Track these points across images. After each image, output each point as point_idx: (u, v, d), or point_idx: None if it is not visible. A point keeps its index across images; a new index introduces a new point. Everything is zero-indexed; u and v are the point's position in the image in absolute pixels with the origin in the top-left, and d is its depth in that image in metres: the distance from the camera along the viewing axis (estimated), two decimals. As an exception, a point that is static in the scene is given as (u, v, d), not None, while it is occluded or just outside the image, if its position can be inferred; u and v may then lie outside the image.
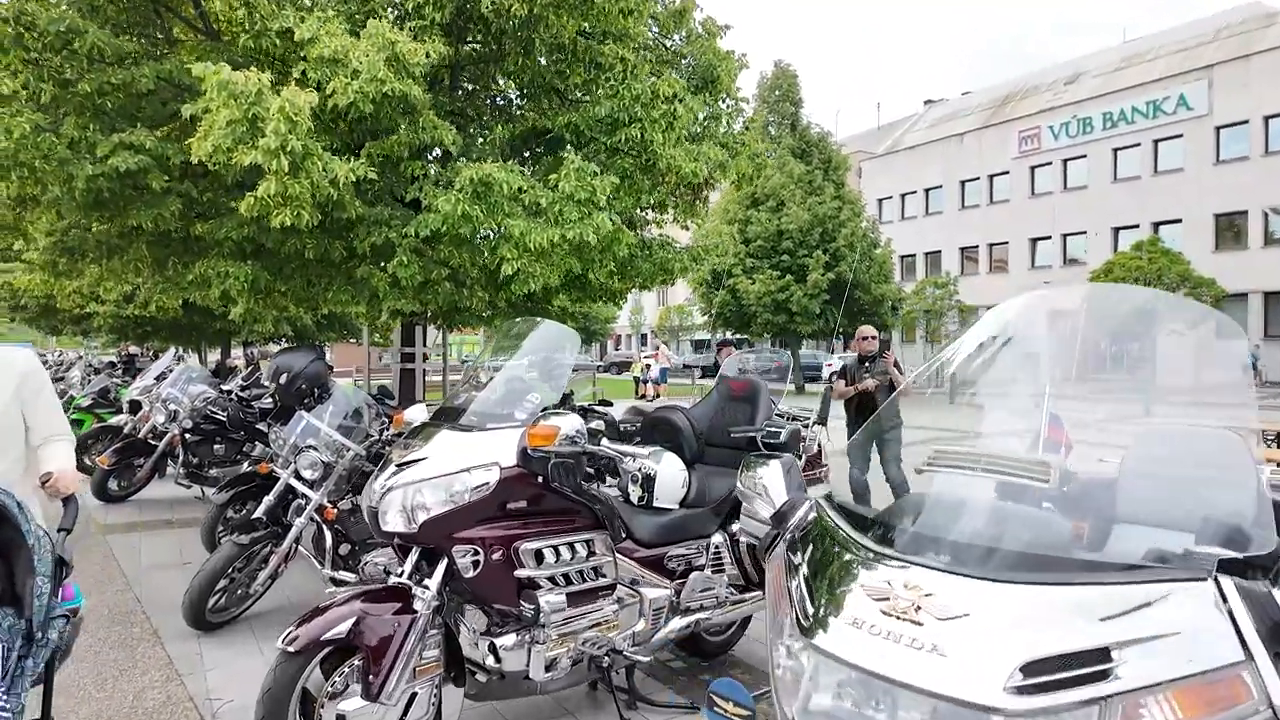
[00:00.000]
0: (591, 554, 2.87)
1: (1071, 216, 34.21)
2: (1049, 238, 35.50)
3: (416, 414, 3.27)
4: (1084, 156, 34.29)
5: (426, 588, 2.60)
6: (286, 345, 6.12)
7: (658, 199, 6.25)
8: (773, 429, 3.65)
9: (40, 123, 4.49)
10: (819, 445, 4.58)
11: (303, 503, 4.31)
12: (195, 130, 4.53)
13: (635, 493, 3.39)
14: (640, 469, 3.30)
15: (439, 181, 4.98)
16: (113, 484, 7.70)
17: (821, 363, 33.56)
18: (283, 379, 4.64)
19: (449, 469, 2.62)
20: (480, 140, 5.52)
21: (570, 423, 2.63)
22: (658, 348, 28.72)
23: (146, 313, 12.52)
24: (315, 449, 4.27)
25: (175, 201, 5.07)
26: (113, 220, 5.84)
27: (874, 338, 6.19)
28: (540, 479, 2.72)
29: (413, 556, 2.70)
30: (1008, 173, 36.96)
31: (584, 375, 33.01)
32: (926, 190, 40.22)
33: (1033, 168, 36.19)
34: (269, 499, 4.35)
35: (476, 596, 2.73)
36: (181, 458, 7.77)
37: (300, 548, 4.36)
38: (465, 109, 5.84)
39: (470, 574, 2.60)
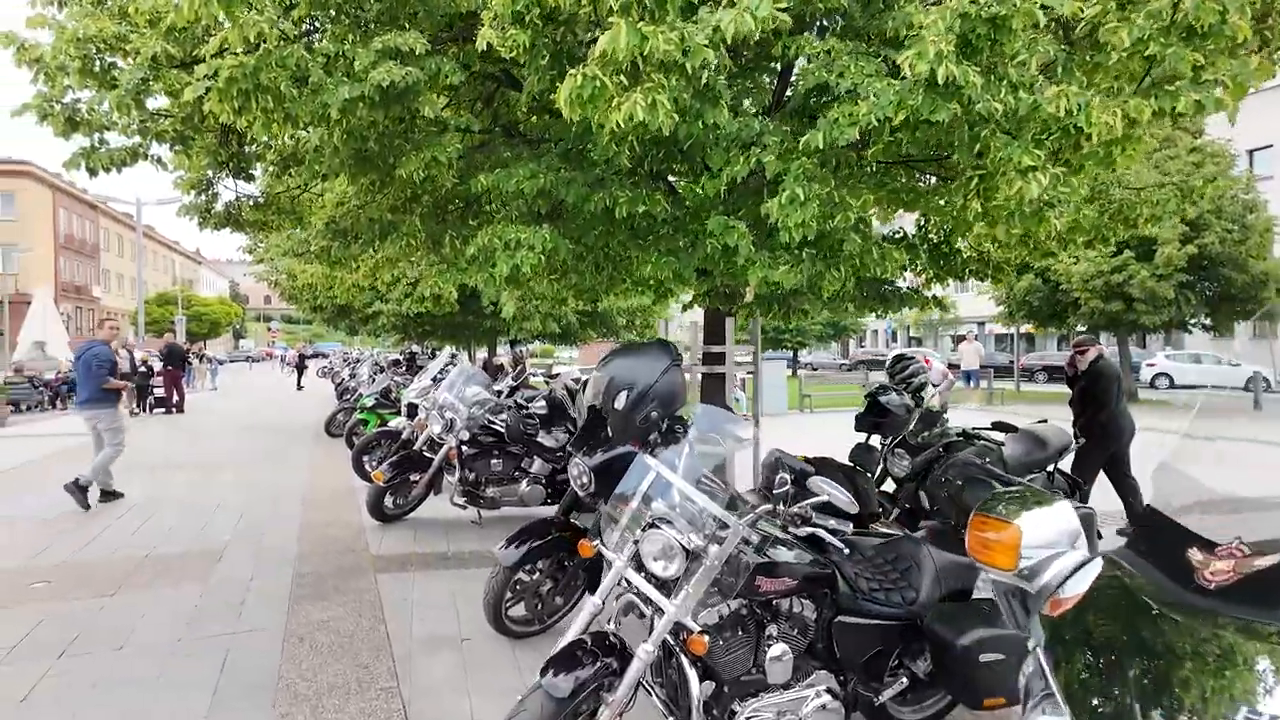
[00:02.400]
0: None
1: None
2: None
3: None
4: None
5: None
6: (623, 343, 4.67)
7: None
8: None
9: (289, 33, 3.25)
10: None
11: (646, 611, 2.50)
12: (479, 32, 2.98)
13: None
14: None
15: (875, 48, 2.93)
16: (389, 501, 6.81)
17: (1142, 363, 27.25)
18: (619, 401, 2.88)
19: None
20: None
21: None
22: (961, 339, 24.63)
23: (424, 308, 12.27)
24: (672, 524, 2.43)
25: (454, 140, 3.63)
26: (382, 187, 4.62)
27: None
28: None
29: None
30: None
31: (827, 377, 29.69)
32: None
33: None
34: (594, 602, 2.59)
35: None
36: (458, 474, 6.69)
37: (643, 684, 2.55)
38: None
39: None
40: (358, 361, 20.24)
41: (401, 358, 17.59)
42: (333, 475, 9.28)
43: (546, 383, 11.11)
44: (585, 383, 4.30)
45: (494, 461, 6.85)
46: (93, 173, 4.51)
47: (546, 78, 3.19)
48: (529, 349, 21.31)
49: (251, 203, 5.93)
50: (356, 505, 7.53)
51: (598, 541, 2.67)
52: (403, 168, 3.68)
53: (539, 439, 6.87)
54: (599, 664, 2.43)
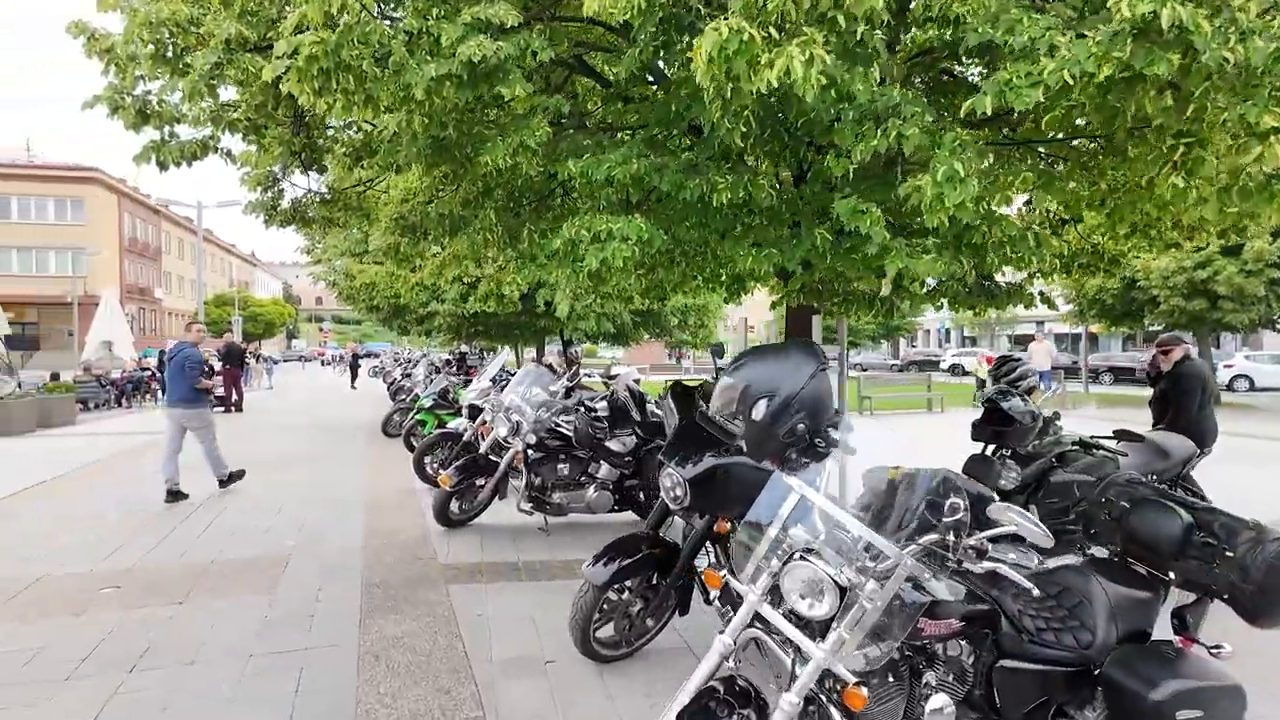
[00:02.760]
0: None
1: None
2: None
3: None
4: None
5: None
6: (757, 345, 4.25)
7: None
8: None
9: (368, 5, 3.01)
10: None
11: (782, 655, 2.16)
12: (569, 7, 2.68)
13: None
14: None
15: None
16: (454, 506, 6.60)
17: (1219, 364, 25.75)
18: (757, 411, 2.48)
19: None
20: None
21: None
22: (1029, 338, 23.53)
23: (486, 308, 12.09)
24: (819, 555, 2.09)
25: (541, 124, 3.33)
26: (456, 178, 4.38)
27: None
28: None
29: None
30: None
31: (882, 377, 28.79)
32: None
33: None
34: (724, 642, 2.26)
35: None
36: (525, 479, 6.45)
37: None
38: None
39: None
40: (410, 361, 20.32)
41: (451, 358, 17.58)
42: (393, 476, 9.15)
43: (605, 384, 10.83)
44: (675, 387, 3.98)
45: (560, 466, 6.60)
46: (163, 166, 4.37)
47: (650, 49, 2.88)
48: (578, 350, 21.08)
49: (318, 199, 5.77)
50: (419, 508, 7.37)
51: (725, 572, 2.34)
52: (487, 154, 3.40)
53: (608, 444, 6.58)
54: (734, 717, 2.11)
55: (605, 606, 3.74)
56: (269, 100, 3.84)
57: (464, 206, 4.81)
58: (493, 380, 9.59)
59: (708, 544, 3.72)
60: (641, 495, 6.98)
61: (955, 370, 36.36)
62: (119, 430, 13.81)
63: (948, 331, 52.93)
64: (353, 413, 17.61)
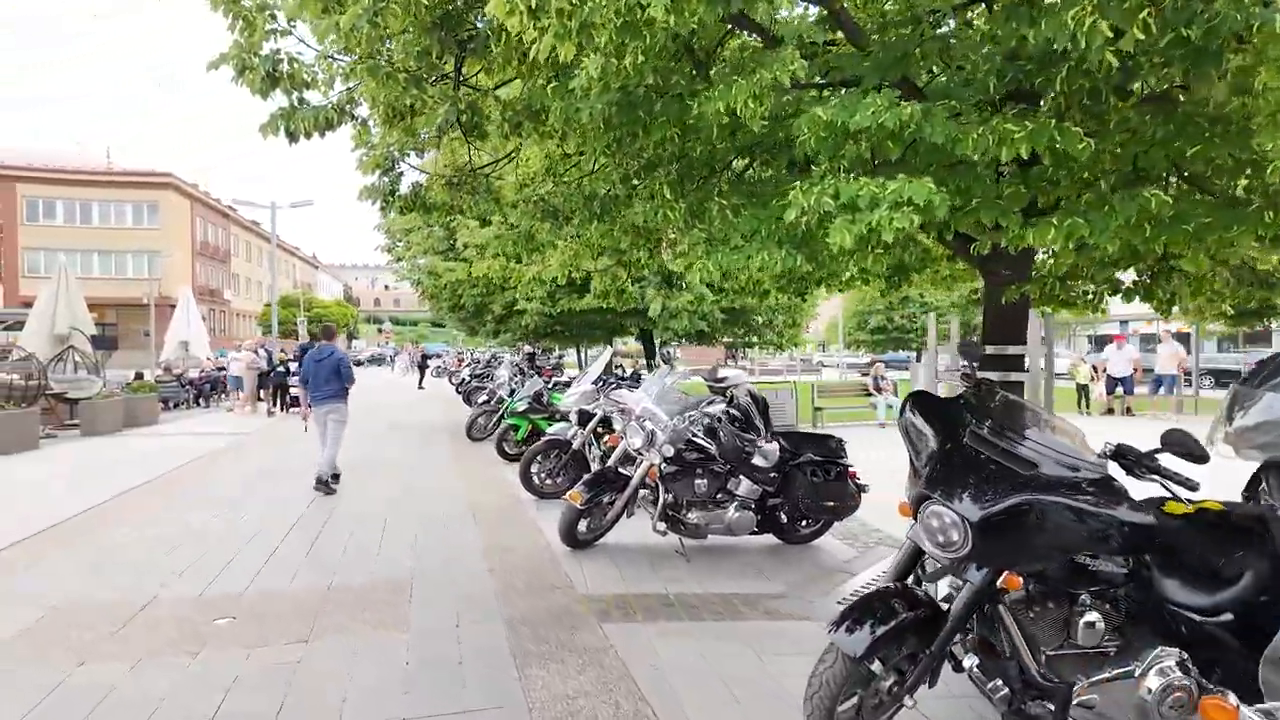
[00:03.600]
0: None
1: None
2: None
3: None
4: None
5: None
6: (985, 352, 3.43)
7: None
8: None
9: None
10: None
11: None
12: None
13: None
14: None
15: None
16: (582, 526, 5.91)
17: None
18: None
19: None
20: None
21: None
22: (1108, 338, 21.85)
23: (606, 304, 11.42)
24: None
25: (794, 57, 2.55)
26: (619, 148, 3.66)
27: None
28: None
29: None
30: None
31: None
32: None
33: None
34: None
35: None
36: (660, 497, 5.74)
37: None
38: None
39: None
40: (477, 362, 19.89)
41: (520, 358, 17.01)
42: (492, 484, 8.59)
43: (711, 388, 10.07)
44: (918, 398, 3.18)
45: (698, 482, 5.86)
46: (293, 138, 3.78)
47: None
48: (673, 349, 20.24)
49: (444, 181, 5.15)
50: (532, 522, 6.74)
51: (1232, 699, 1.52)
52: (718, 99, 2.65)
53: (755, 460, 5.80)
54: None
55: (862, 688, 2.96)
56: (434, 45, 3.19)
57: (622, 182, 4.11)
58: (595, 383, 8.92)
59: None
60: (783, 516, 6.21)
61: (1035, 373, 34.44)
62: (203, 430, 13.64)
63: (1022, 332, 50.64)
64: (426, 414, 17.26)
